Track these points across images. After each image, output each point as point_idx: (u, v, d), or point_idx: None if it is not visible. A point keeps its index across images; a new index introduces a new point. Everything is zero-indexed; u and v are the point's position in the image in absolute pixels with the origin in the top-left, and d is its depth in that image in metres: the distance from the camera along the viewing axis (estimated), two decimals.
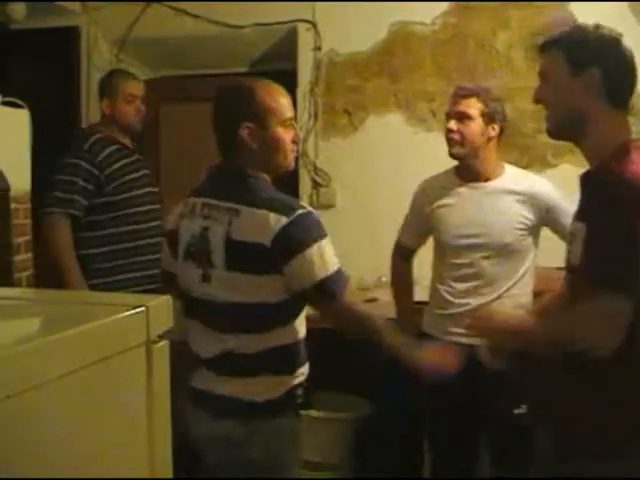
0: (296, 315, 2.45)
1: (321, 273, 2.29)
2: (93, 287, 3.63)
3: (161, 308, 1.42)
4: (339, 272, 2.34)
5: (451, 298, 3.18)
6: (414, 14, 4.37)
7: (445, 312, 3.20)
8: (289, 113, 2.47)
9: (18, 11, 4.51)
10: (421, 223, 3.31)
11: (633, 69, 2.10)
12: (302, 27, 4.54)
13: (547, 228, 3.22)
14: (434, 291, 3.28)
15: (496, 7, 4.25)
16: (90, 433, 1.24)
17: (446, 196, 3.23)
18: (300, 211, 2.31)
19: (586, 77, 2.06)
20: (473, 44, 4.31)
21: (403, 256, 3.42)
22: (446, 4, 4.33)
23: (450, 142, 3.17)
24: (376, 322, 2.45)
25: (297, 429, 2.55)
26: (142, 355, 1.36)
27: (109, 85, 3.96)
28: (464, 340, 3.12)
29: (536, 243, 3.22)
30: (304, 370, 2.50)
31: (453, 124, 3.15)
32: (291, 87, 4.53)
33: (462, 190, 3.21)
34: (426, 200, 3.29)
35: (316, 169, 4.48)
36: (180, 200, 2.55)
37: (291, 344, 2.43)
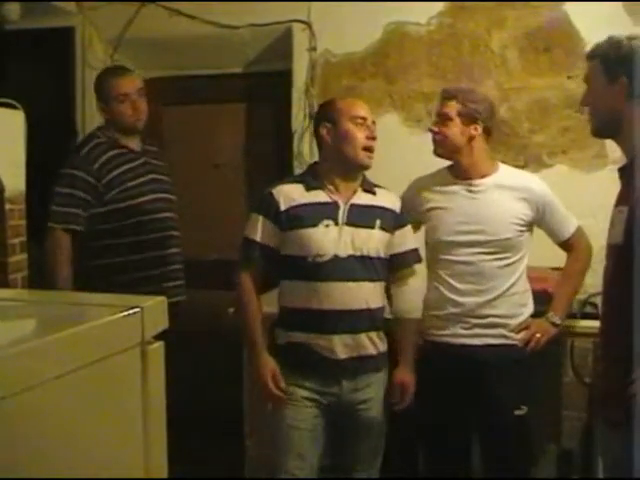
0: None
1: None
2: None
3: (156, 309, 1.42)
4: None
5: (453, 296, 3.18)
6: (409, 14, 4.36)
7: (445, 312, 3.20)
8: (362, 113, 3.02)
9: (13, 11, 4.50)
10: (414, 220, 3.31)
11: None
12: (297, 27, 4.54)
13: (538, 227, 3.24)
14: (431, 291, 3.28)
15: (491, 7, 4.24)
16: (85, 434, 1.24)
17: (440, 194, 3.26)
18: None
19: (618, 85, 2.40)
20: (468, 44, 4.31)
21: None
22: (441, 5, 4.33)
23: (433, 142, 3.25)
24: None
25: None
26: (137, 356, 1.36)
27: (100, 87, 3.79)
28: (466, 341, 3.15)
29: (529, 241, 3.23)
30: None
31: (434, 125, 3.25)
32: (286, 87, 4.55)
33: (456, 188, 3.24)
34: (419, 200, 3.29)
35: None
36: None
37: None
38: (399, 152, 4.20)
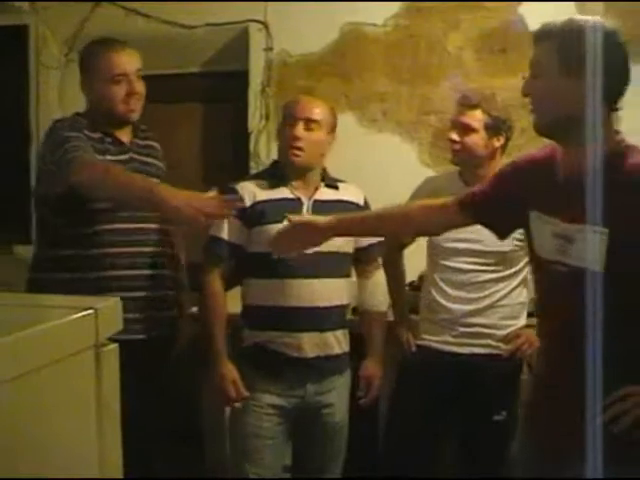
0: None
1: None
2: None
3: (110, 310, 1.41)
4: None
5: (443, 301, 3.20)
6: (366, 15, 4.38)
7: (436, 317, 3.22)
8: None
9: None
10: None
11: (625, 70, 2.03)
12: (254, 27, 4.53)
13: None
14: (426, 294, 3.29)
15: (446, 9, 4.28)
16: (38, 437, 1.23)
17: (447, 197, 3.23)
18: None
19: (576, 78, 1.96)
20: (424, 45, 4.34)
21: (393, 246, 3.38)
22: (397, 6, 4.35)
23: (452, 152, 3.16)
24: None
25: None
26: (91, 358, 1.35)
27: (89, 61, 3.01)
28: (453, 349, 3.17)
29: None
30: None
31: (455, 135, 3.13)
32: (242, 88, 4.54)
33: None
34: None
35: None
36: None
37: None
38: (354, 152, 4.21)
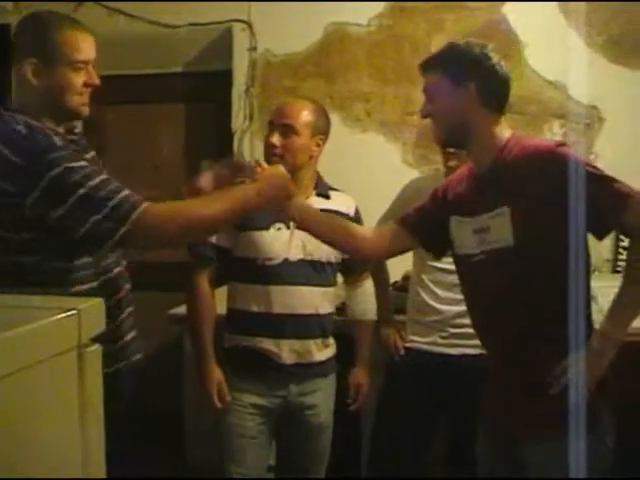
0: None
1: None
2: None
3: (93, 311, 1.40)
4: None
5: (432, 303, 3.20)
6: (350, 15, 4.39)
7: (426, 319, 3.22)
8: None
9: None
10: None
11: (503, 77, 2.35)
12: (237, 27, 4.53)
13: None
14: (414, 296, 3.29)
15: (430, 9, 4.29)
16: (20, 439, 1.22)
17: None
18: None
19: (463, 91, 2.30)
20: (408, 46, 4.34)
21: None
22: (381, 6, 4.35)
23: (448, 155, 3.16)
24: None
25: None
26: (73, 359, 1.34)
27: (40, 36, 2.42)
28: (443, 350, 3.18)
29: None
30: None
31: None
32: (226, 87, 4.54)
33: None
34: (413, 203, 3.27)
35: None
36: None
37: None
38: (338, 152, 4.21)
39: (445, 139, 2.47)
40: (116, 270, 2.48)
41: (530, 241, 2.24)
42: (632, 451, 2.90)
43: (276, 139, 2.92)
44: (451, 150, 3.12)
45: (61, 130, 2.42)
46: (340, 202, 3.08)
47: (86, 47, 2.46)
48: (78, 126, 2.61)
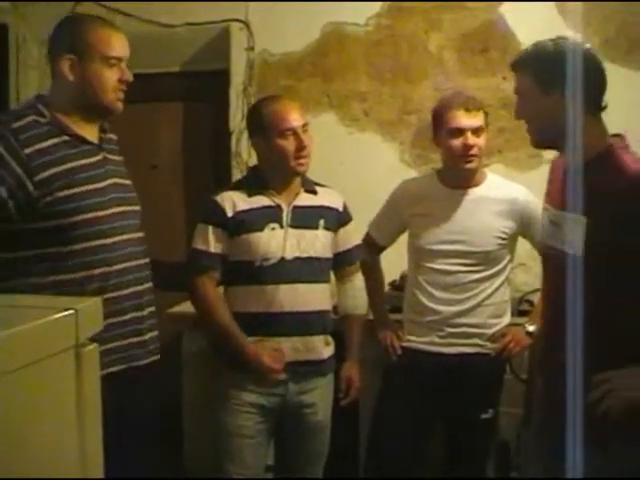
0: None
1: None
2: None
3: (91, 311, 1.40)
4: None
5: (430, 304, 3.20)
6: (347, 15, 4.38)
7: (423, 319, 3.22)
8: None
9: None
10: (397, 225, 3.32)
11: (598, 76, 2.31)
12: (235, 27, 4.52)
13: (523, 237, 3.24)
14: (410, 296, 3.29)
15: (428, 9, 4.28)
16: (18, 438, 1.22)
17: (428, 201, 3.23)
18: None
19: (555, 95, 2.26)
20: (406, 45, 4.34)
21: (371, 250, 3.39)
22: (379, 6, 4.35)
23: (470, 157, 3.12)
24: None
25: None
26: (71, 358, 1.34)
27: (76, 34, 2.53)
28: (441, 349, 3.18)
29: (512, 253, 3.24)
30: None
31: (473, 139, 3.11)
32: (224, 87, 4.53)
33: (445, 196, 3.21)
34: (406, 203, 3.29)
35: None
36: None
37: None
38: (336, 151, 4.22)
39: (537, 141, 2.45)
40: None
41: (598, 258, 2.17)
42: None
43: (306, 140, 2.98)
44: (475, 152, 3.10)
45: (63, 139, 2.46)
46: (328, 197, 3.11)
47: (119, 45, 2.56)
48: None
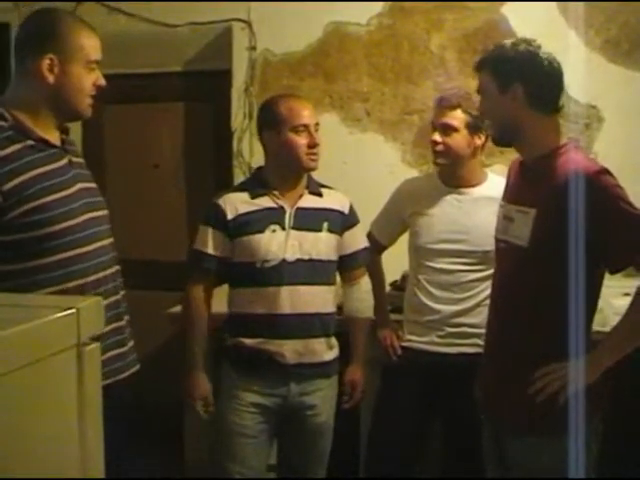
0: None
1: None
2: None
3: (92, 310, 1.40)
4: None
5: (429, 303, 3.20)
6: (349, 15, 4.38)
7: (423, 319, 3.22)
8: None
9: None
10: (398, 224, 3.32)
11: (553, 77, 2.42)
12: (237, 26, 4.53)
13: None
14: (411, 296, 3.29)
15: (430, 9, 4.28)
16: (19, 437, 1.22)
17: (429, 200, 3.23)
18: None
19: (511, 92, 2.38)
20: (407, 45, 4.34)
21: (373, 249, 3.37)
22: (380, 6, 4.35)
23: (435, 153, 3.16)
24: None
25: None
26: (73, 358, 1.34)
27: (59, 35, 2.36)
28: (441, 349, 3.18)
29: None
30: None
31: (437, 136, 3.14)
32: (226, 87, 4.54)
33: (445, 195, 3.21)
34: (407, 202, 3.28)
35: (251, 170, 4.46)
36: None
37: None
38: (338, 151, 4.22)
39: (495, 137, 2.58)
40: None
41: (543, 250, 2.34)
42: (615, 459, 2.99)
43: (318, 137, 3.00)
44: (439, 148, 3.14)
45: (28, 144, 2.29)
46: (333, 200, 3.09)
47: (99, 47, 2.43)
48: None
